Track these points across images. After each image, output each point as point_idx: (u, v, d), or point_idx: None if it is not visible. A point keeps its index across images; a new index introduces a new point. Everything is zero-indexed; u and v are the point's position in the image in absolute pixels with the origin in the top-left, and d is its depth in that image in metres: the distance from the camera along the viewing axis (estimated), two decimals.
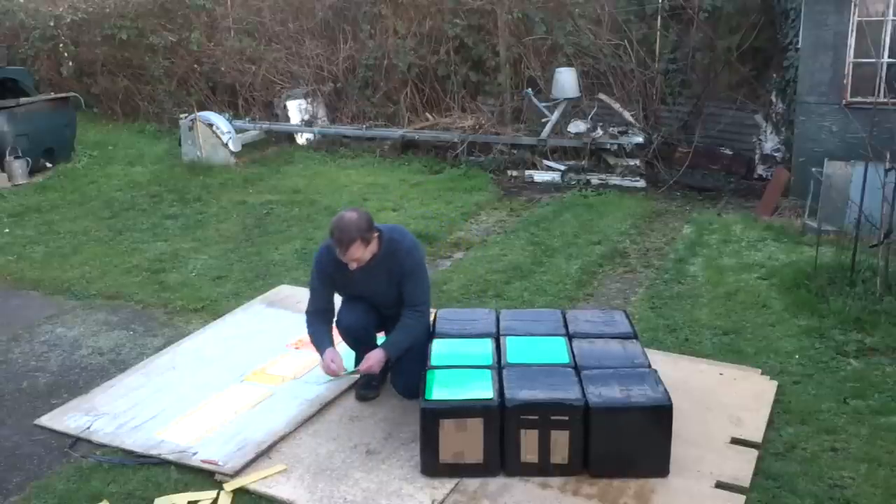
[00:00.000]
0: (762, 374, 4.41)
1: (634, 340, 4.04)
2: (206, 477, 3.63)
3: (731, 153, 8.99)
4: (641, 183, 8.63)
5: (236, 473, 3.62)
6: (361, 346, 4.05)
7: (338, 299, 4.15)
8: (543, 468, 3.52)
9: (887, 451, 3.72)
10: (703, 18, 8.99)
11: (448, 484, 3.50)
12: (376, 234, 3.80)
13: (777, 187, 7.67)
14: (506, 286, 5.80)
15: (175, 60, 11.97)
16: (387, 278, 3.91)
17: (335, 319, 4.09)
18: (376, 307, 4.08)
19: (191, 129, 9.59)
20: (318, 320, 4.04)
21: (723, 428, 3.86)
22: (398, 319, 3.99)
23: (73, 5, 12.51)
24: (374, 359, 3.89)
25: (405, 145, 10.10)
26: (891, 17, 6.91)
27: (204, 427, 3.98)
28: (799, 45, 7.52)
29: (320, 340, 4.00)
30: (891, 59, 6.95)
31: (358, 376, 4.11)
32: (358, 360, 4.03)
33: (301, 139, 10.78)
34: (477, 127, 9.66)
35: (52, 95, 10.37)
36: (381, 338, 4.17)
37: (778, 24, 8.51)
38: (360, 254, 3.72)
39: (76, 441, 3.95)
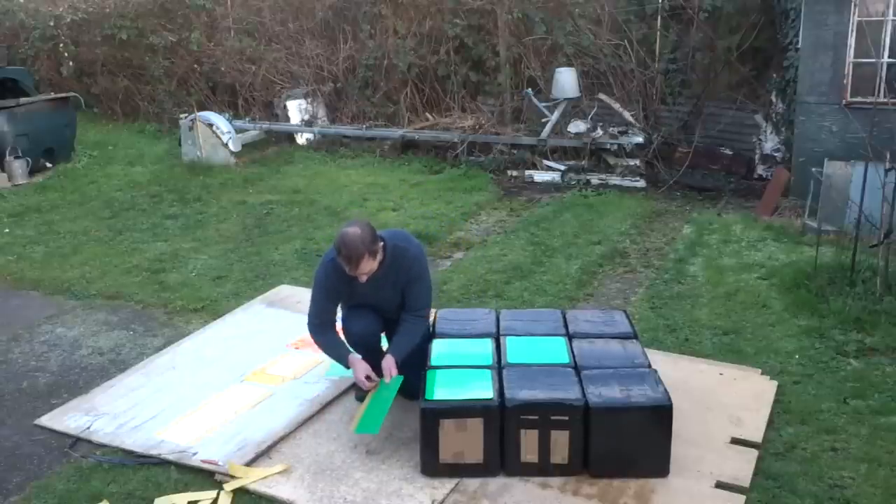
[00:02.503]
0: (762, 374, 4.41)
1: (634, 340, 4.04)
2: (206, 477, 3.64)
3: (731, 153, 8.99)
4: (641, 183, 8.63)
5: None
6: (371, 352, 4.05)
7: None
8: (543, 468, 3.53)
9: (887, 451, 3.72)
10: (703, 18, 8.99)
11: (448, 484, 3.50)
12: (381, 244, 3.81)
13: (777, 187, 7.67)
14: (506, 286, 5.80)
15: (175, 60, 11.96)
16: (392, 285, 3.91)
17: (344, 329, 4.09)
18: (380, 312, 4.08)
19: (191, 129, 9.59)
20: (327, 331, 4.01)
21: (723, 428, 3.86)
22: (399, 322, 3.99)
23: (73, 5, 12.50)
24: (389, 364, 3.86)
25: (405, 145, 10.10)
26: (891, 17, 6.91)
27: (204, 427, 3.99)
28: (799, 45, 7.52)
29: (339, 348, 3.98)
30: (891, 59, 6.95)
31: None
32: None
33: (301, 139, 10.78)
34: (477, 127, 9.66)
35: (52, 95, 10.37)
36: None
37: (778, 24, 8.51)
38: (369, 267, 3.73)
39: (76, 441, 3.95)
